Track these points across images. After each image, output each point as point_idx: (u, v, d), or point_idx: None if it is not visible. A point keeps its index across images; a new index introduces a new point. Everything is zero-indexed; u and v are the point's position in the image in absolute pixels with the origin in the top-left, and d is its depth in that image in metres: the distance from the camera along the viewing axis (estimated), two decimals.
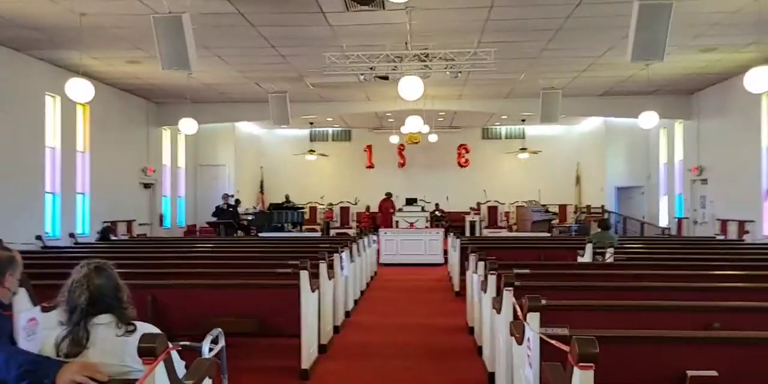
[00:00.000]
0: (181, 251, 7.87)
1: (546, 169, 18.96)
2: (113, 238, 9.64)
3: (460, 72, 8.93)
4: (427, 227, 13.66)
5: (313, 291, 4.77)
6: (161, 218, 15.20)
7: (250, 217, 15.27)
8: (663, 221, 15.47)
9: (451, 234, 10.51)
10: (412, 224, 13.04)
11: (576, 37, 8.85)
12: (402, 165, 19.91)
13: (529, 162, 19.01)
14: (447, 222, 15.81)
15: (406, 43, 8.75)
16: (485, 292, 5.14)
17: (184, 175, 16.72)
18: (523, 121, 18.28)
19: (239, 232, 13.43)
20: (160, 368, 1.82)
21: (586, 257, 6.98)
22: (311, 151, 18.75)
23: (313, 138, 19.96)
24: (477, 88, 13.11)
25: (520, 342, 2.94)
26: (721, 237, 10.34)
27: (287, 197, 17.86)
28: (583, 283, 4.40)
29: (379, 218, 16.99)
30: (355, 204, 18.02)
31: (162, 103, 14.79)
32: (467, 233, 15.75)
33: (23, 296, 3.67)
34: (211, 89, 12.98)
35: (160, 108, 14.95)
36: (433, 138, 16.55)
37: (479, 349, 5.13)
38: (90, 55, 9.80)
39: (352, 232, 16.53)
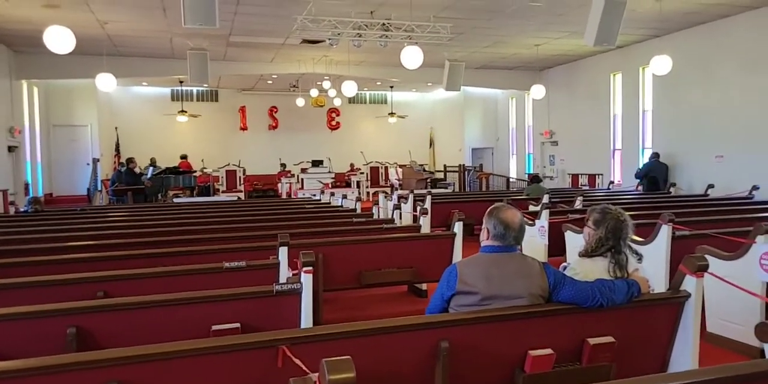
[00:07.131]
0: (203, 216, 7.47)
1: (406, 132, 20.78)
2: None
3: (416, 43, 9.72)
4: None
5: None
6: (26, 187, 13.19)
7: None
8: (512, 176, 18.46)
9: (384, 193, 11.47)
10: (327, 185, 13.58)
11: (504, 20, 10.28)
12: (274, 127, 19.83)
13: (392, 126, 20.56)
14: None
15: (371, 13, 9.26)
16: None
17: (39, 137, 14.51)
18: (392, 87, 19.64)
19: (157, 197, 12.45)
20: None
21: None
22: (182, 112, 17.56)
23: (175, 97, 18.65)
24: (376, 55, 13.80)
25: None
26: (586, 187, 13.22)
27: (153, 161, 16.64)
28: None
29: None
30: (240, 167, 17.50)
31: (23, 52, 12.59)
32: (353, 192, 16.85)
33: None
34: (108, 41, 11.58)
35: (21, 58, 12.71)
36: (337, 102, 17.03)
37: None
38: None
39: (241, 195, 16.32)
